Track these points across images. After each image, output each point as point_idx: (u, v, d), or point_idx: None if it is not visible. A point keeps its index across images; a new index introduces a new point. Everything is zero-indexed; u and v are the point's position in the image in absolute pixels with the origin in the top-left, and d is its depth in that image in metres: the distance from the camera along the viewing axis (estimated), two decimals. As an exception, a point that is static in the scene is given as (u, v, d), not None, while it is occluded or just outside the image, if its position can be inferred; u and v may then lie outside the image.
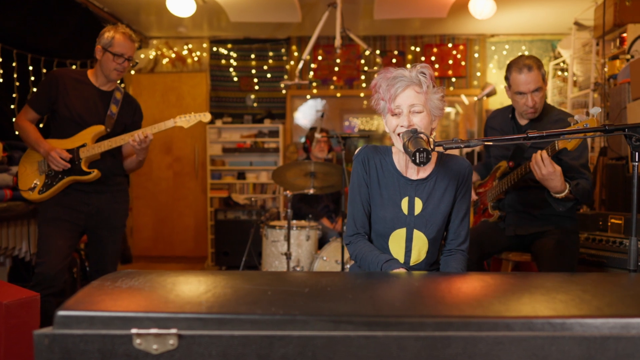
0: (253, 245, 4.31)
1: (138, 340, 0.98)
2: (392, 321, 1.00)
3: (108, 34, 2.72)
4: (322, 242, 4.15)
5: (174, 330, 0.98)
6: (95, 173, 2.74)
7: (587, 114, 2.05)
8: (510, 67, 2.60)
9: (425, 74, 1.77)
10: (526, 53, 6.22)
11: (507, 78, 2.63)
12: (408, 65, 1.85)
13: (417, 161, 1.54)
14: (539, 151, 2.27)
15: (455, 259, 1.91)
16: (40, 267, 2.63)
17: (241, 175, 6.36)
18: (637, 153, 1.54)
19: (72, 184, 2.76)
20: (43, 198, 2.74)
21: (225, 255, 5.89)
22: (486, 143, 1.59)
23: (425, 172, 1.90)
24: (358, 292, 1.19)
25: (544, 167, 2.24)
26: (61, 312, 1.00)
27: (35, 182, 2.75)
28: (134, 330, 0.98)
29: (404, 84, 1.76)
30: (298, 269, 3.88)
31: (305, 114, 6.62)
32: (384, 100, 1.80)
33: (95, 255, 2.91)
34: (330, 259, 3.81)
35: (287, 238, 3.76)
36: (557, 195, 2.36)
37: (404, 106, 1.77)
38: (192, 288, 1.18)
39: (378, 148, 1.95)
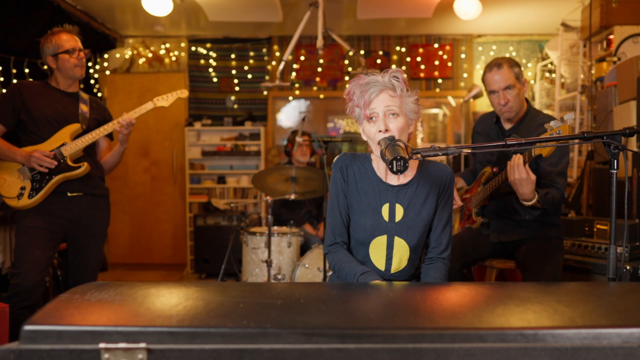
0: (233, 252, 4.22)
1: (106, 355, 0.96)
2: (365, 333, 0.99)
3: (49, 42, 2.71)
4: (304, 249, 4.07)
5: (142, 345, 0.96)
6: (85, 166, 2.72)
7: (562, 119, 2.10)
8: (484, 69, 2.65)
9: (398, 78, 1.78)
10: (514, 54, 6.17)
11: (483, 80, 2.65)
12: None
13: (394, 169, 1.54)
14: (517, 155, 2.29)
15: (435, 268, 1.90)
16: (17, 279, 2.55)
17: (221, 179, 6.27)
18: (615, 161, 1.56)
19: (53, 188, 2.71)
20: (35, 202, 2.66)
21: (205, 262, 5.78)
22: (465, 151, 1.59)
23: (406, 178, 1.89)
24: (332, 303, 1.18)
25: (516, 171, 2.27)
26: (27, 327, 0.98)
27: (21, 188, 2.67)
28: (102, 345, 0.96)
29: (378, 89, 1.76)
30: (279, 277, 3.79)
31: (288, 115, 6.58)
32: (358, 107, 1.80)
33: (76, 264, 2.82)
34: (313, 267, 3.76)
35: (268, 245, 3.68)
36: (525, 203, 2.39)
37: (379, 109, 1.76)
38: (164, 301, 1.16)
39: (357, 155, 1.94)
